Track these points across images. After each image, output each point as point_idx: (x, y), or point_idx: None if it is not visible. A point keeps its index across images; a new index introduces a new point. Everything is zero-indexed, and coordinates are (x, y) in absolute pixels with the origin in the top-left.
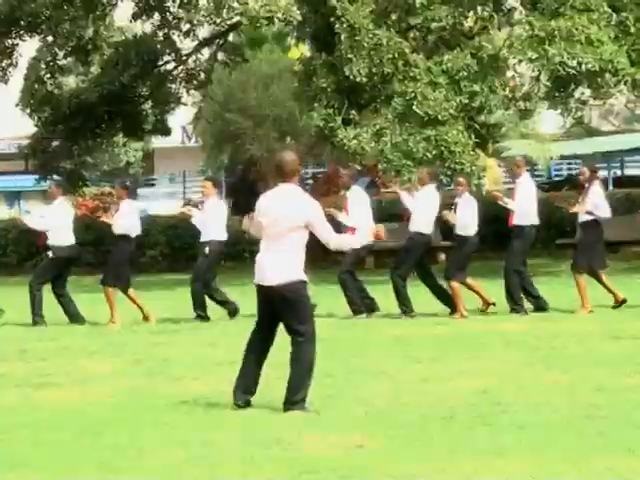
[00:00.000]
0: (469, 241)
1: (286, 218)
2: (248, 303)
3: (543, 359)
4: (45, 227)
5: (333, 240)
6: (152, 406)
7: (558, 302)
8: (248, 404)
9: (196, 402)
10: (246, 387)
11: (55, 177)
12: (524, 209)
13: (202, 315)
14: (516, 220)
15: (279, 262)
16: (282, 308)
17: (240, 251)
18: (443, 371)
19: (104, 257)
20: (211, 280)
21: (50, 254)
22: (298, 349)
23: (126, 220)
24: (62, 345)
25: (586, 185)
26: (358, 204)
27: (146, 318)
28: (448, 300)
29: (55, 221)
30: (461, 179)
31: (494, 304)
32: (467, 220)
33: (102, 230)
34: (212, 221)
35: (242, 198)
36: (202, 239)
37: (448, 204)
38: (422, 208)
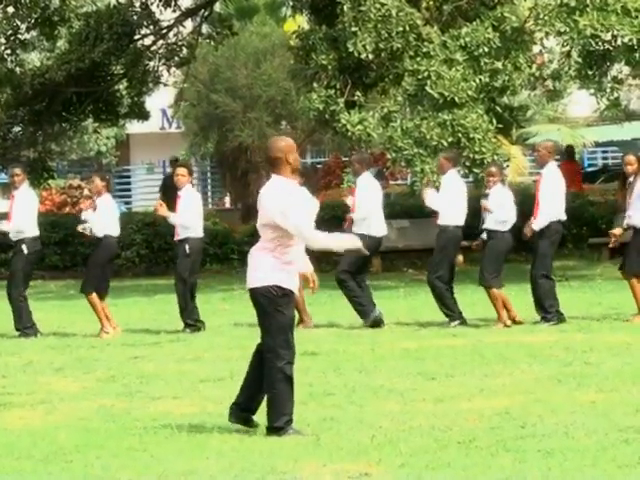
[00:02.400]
0: (503, 238)
1: (261, 214)
2: (235, 311)
3: (575, 375)
4: (22, 225)
5: (309, 238)
6: (128, 430)
7: (592, 310)
8: (245, 423)
9: (178, 425)
10: (244, 404)
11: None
12: (549, 203)
13: (192, 324)
14: (539, 216)
15: (257, 262)
16: (257, 316)
17: (227, 252)
18: (460, 389)
19: (72, 259)
20: (194, 286)
21: (24, 249)
22: (267, 368)
23: (107, 219)
24: (25, 360)
25: (631, 178)
26: (367, 193)
27: (107, 331)
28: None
29: (27, 211)
30: (493, 168)
31: (521, 323)
32: (500, 216)
33: (71, 229)
34: (191, 214)
35: (172, 196)
36: (179, 237)
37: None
38: (448, 198)
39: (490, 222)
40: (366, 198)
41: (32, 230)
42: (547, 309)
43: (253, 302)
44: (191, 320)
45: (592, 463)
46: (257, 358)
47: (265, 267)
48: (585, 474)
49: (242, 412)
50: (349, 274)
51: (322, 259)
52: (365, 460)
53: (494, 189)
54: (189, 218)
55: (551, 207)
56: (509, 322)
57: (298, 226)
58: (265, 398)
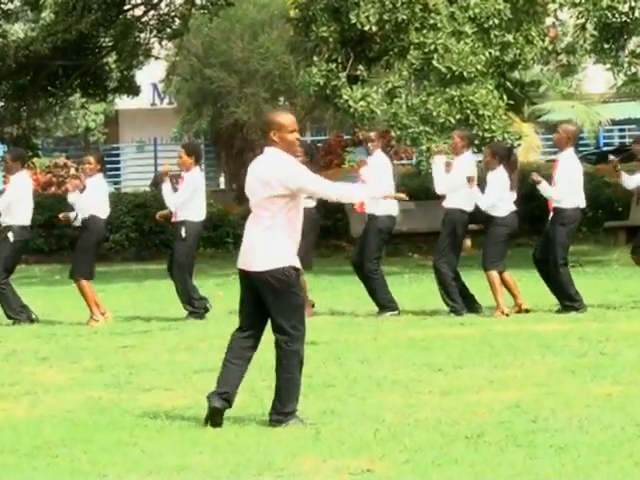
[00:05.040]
0: (502, 222)
1: (265, 186)
2: (230, 298)
3: (589, 367)
4: (9, 208)
5: (333, 191)
6: (117, 423)
7: (608, 297)
8: (224, 408)
9: (169, 418)
10: (225, 394)
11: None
12: (567, 189)
13: (195, 311)
14: (557, 202)
15: (263, 242)
16: (268, 300)
17: (222, 235)
18: (468, 381)
19: (58, 243)
20: (192, 271)
21: (10, 237)
22: (283, 351)
23: (96, 199)
24: (8, 349)
25: None
26: (380, 171)
27: (96, 320)
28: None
29: (17, 196)
30: (371, 133)
31: (527, 311)
32: (496, 198)
33: (57, 210)
34: (189, 197)
35: None
36: (176, 219)
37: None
38: (459, 180)
39: (489, 208)
40: (381, 177)
41: (22, 219)
42: (574, 297)
43: (263, 285)
44: (192, 307)
45: (607, 459)
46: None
47: (278, 246)
48: (600, 471)
49: (226, 402)
50: (378, 263)
51: (321, 244)
52: (367, 455)
53: (494, 170)
54: (183, 198)
55: (567, 193)
56: (507, 310)
57: (322, 192)
58: (276, 382)
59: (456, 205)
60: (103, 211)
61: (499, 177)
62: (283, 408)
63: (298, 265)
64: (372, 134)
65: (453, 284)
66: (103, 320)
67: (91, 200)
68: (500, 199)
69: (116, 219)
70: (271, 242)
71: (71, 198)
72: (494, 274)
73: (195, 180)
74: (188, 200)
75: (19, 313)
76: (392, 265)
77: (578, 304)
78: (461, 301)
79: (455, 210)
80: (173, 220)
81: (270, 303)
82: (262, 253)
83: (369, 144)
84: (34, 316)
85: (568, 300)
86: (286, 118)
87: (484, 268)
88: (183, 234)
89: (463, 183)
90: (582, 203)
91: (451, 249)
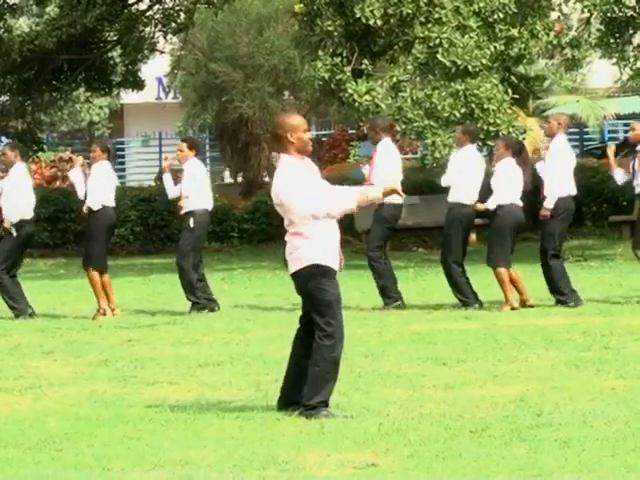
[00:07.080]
0: (508, 217)
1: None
2: (235, 293)
3: (594, 361)
4: (12, 210)
5: (323, 215)
6: (121, 417)
7: (612, 292)
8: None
9: (174, 412)
10: (286, 396)
11: (4, 139)
12: (556, 180)
13: (197, 302)
14: (548, 191)
15: (291, 245)
16: (303, 298)
17: (227, 230)
18: (472, 375)
19: (63, 237)
20: (198, 263)
21: (13, 231)
22: (316, 344)
23: (104, 190)
24: (12, 343)
25: (638, 147)
26: (388, 159)
27: (104, 312)
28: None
29: (19, 191)
30: (500, 142)
31: (532, 307)
32: (504, 192)
33: (61, 204)
34: (196, 187)
35: None
36: (184, 210)
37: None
38: (462, 173)
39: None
40: (387, 163)
41: (25, 213)
42: (562, 290)
43: (295, 285)
44: (195, 297)
45: (611, 453)
46: (297, 344)
47: (299, 249)
48: (604, 465)
49: (288, 406)
50: (381, 250)
51: None
52: (372, 450)
53: (501, 163)
54: (193, 188)
55: (558, 184)
56: (517, 304)
57: (303, 215)
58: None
59: (456, 199)
60: (110, 199)
61: (506, 167)
62: (308, 400)
63: (324, 262)
64: (379, 122)
65: (463, 279)
66: (110, 314)
67: (98, 187)
68: (506, 189)
69: (121, 213)
70: (294, 246)
71: (71, 174)
72: (501, 270)
73: (196, 169)
74: (194, 189)
75: (19, 302)
76: (397, 259)
77: (565, 298)
78: (472, 295)
79: (456, 204)
80: (181, 212)
81: (305, 301)
82: (290, 257)
83: (374, 132)
84: (28, 315)
85: (557, 294)
86: (282, 119)
87: (490, 265)
88: (192, 224)
89: (464, 176)
90: (573, 190)
91: (456, 245)
